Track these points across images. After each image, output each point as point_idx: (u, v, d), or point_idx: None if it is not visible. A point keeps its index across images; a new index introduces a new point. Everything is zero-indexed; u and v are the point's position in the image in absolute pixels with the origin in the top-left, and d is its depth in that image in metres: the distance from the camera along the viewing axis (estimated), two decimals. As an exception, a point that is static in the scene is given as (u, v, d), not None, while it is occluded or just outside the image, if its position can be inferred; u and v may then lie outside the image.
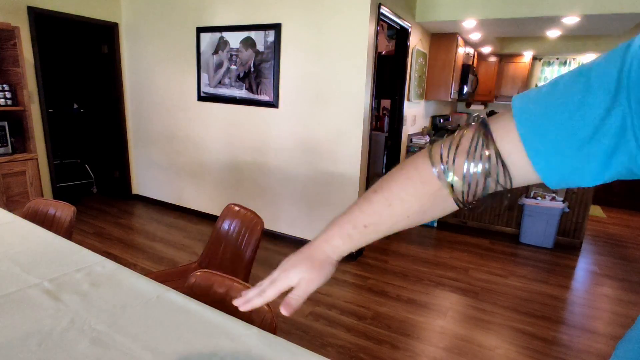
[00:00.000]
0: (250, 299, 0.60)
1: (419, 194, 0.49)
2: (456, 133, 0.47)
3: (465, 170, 0.44)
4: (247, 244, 1.71)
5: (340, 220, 0.56)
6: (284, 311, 0.57)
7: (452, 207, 0.49)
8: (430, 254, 3.46)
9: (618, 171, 0.37)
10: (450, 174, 0.45)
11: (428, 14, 3.81)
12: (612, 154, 0.36)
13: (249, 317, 1.09)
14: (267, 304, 1.09)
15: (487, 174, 0.43)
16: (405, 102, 3.92)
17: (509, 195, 0.46)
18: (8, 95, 3.10)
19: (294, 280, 0.58)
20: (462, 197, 0.46)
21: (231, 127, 3.68)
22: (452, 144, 0.46)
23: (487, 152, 0.43)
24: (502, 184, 0.44)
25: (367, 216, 0.53)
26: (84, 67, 4.58)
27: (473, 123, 0.46)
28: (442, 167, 0.46)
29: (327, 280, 0.59)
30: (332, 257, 0.58)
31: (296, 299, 0.57)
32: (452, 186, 0.46)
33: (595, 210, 4.99)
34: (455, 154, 0.45)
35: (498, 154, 0.43)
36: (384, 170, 4.18)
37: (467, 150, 0.44)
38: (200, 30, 3.63)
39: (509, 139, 0.42)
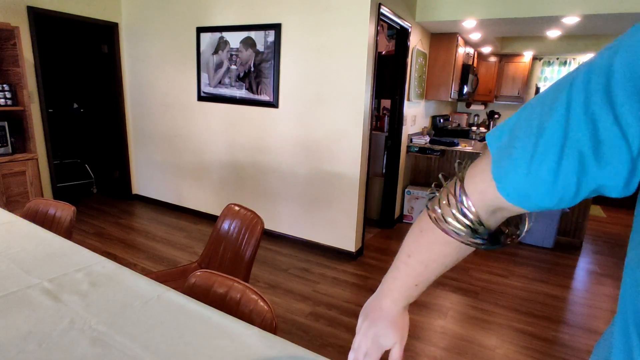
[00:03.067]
0: None
1: (446, 252, 0.56)
2: (442, 191, 0.54)
3: (459, 223, 0.50)
4: (247, 244, 1.71)
5: (396, 285, 0.64)
6: None
7: (475, 248, 0.55)
8: (430, 254, 3.46)
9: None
10: (452, 228, 0.51)
11: (428, 14, 3.81)
12: (557, 169, 0.39)
13: (249, 317, 1.09)
14: (268, 304, 1.09)
15: (474, 223, 0.49)
16: (405, 102, 3.92)
17: (509, 239, 0.54)
18: (8, 95, 3.10)
19: (388, 346, 0.64)
20: (473, 239, 0.51)
21: (231, 127, 3.68)
22: (441, 201, 0.53)
23: (466, 211, 0.49)
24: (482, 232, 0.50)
25: (413, 278, 0.62)
26: (84, 67, 4.58)
27: (452, 181, 0.52)
28: (444, 227, 0.52)
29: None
30: (403, 312, 0.66)
31: (397, 358, 0.64)
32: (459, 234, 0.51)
33: (595, 210, 4.99)
34: (443, 211, 0.51)
35: (476, 217, 0.49)
36: (384, 170, 4.18)
37: (453, 206, 0.50)
38: (200, 30, 3.63)
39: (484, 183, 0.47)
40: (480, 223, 0.49)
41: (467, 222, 0.49)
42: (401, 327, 0.65)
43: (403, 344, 0.65)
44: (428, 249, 0.57)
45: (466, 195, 0.48)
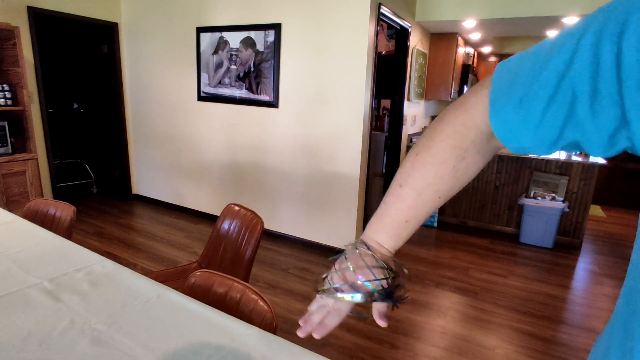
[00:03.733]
0: (319, 321, 0.62)
1: (441, 174, 0.52)
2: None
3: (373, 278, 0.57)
4: (247, 244, 1.71)
5: (382, 224, 0.58)
6: (380, 322, 0.59)
7: (473, 172, 0.53)
8: (430, 254, 3.46)
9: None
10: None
11: (428, 14, 3.81)
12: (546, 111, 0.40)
13: (249, 317, 1.09)
14: (268, 304, 1.09)
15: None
16: (405, 102, 3.92)
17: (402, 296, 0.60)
18: (8, 95, 3.10)
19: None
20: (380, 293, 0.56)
21: (231, 127, 3.68)
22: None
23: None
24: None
25: (404, 212, 0.56)
26: (84, 67, 4.57)
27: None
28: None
29: None
30: (390, 257, 0.60)
31: (382, 312, 0.60)
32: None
33: (595, 210, 4.99)
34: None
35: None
36: (384, 170, 4.18)
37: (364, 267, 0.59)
38: (200, 30, 3.63)
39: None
40: (390, 270, 0.53)
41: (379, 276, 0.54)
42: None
43: None
44: (422, 172, 0.53)
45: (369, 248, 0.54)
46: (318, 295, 0.61)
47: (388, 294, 0.55)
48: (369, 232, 0.59)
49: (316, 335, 0.60)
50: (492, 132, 0.47)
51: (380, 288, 0.55)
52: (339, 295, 0.54)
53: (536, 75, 0.41)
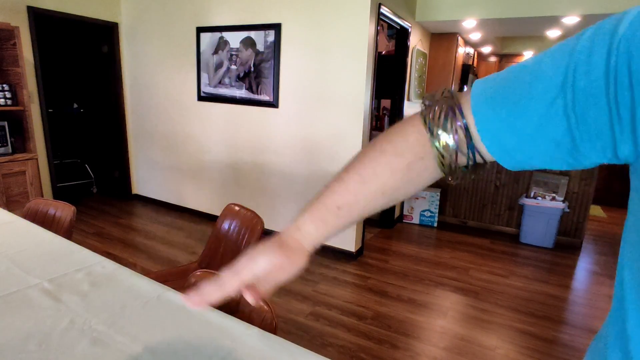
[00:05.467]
0: (207, 294, 0.49)
1: (393, 168, 0.47)
2: (431, 105, 0.46)
3: (444, 139, 0.43)
4: (247, 244, 1.71)
5: (312, 206, 0.50)
6: (249, 299, 0.49)
7: (426, 179, 0.48)
8: (430, 254, 3.46)
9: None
10: (436, 141, 0.44)
11: (428, 14, 3.81)
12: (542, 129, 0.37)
13: (249, 317, 1.09)
14: (268, 304, 1.09)
15: (460, 143, 0.43)
16: (405, 102, 3.92)
17: (483, 168, 0.46)
18: (8, 95, 3.10)
19: (261, 268, 0.49)
20: (446, 163, 0.45)
21: (231, 127, 3.68)
22: (431, 114, 0.45)
23: (458, 123, 0.43)
24: (471, 156, 0.43)
25: (339, 196, 0.48)
26: (84, 67, 4.57)
27: (444, 95, 0.45)
28: (428, 134, 0.45)
29: (298, 274, 0.51)
30: (305, 246, 0.51)
31: (266, 287, 0.50)
32: (439, 153, 0.44)
33: (596, 210, 4.99)
34: (434, 124, 0.44)
35: (466, 126, 0.43)
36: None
37: (442, 122, 0.44)
38: (200, 30, 3.63)
39: (469, 113, 0.42)
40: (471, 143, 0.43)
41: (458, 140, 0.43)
42: (288, 257, 0.49)
43: (279, 276, 0.50)
44: (375, 159, 0.48)
45: (461, 114, 0.43)
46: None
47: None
48: (300, 213, 0.51)
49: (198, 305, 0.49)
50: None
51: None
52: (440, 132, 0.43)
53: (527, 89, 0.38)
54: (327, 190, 0.49)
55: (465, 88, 4.98)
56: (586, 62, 0.34)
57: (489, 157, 0.43)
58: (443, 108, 0.44)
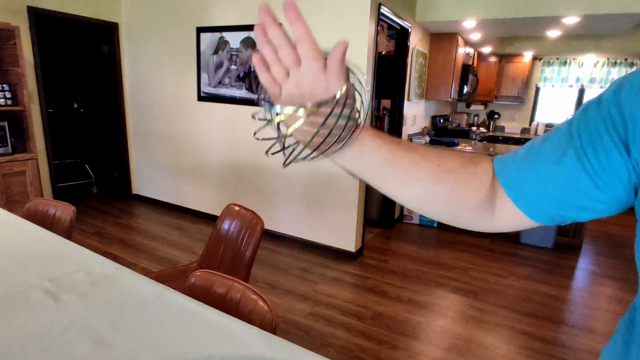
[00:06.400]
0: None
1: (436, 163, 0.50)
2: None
3: None
4: (247, 244, 1.71)
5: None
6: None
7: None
8: (430, 254, 3.46)
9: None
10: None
11: (428, 14, 3.81)
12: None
13: (248, 317, 1.09)
14: (267, 304, 1.09)
15: None
16: (405, 102, 3.92)
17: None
18: (8, 95, 3.10)
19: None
20: None
21: (231, 127, 3.68)
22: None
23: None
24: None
25: (401, 144, 0.51)
26: (84, 67, 4.57)
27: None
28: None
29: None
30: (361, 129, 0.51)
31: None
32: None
33: (595, 210, 4.98)
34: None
35: None
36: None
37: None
38: (200, 30, 3.63)
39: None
40: None
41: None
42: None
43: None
44: (426, 154, 0.51)
45: None
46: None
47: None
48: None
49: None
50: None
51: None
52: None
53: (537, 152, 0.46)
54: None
55: (466, 88, 4.98)
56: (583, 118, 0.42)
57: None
58: None
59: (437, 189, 0.50)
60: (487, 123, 6.28)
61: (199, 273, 1.24)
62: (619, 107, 0.38)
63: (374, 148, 0.51)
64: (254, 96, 3.46)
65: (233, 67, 3.51)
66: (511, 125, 6.28)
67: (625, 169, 0.39)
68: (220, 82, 3.63)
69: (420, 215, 4.18)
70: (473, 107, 6.40)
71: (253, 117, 0.50)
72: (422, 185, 0.50)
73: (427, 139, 4.34)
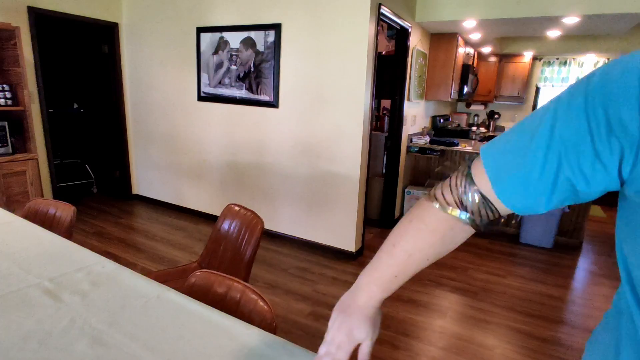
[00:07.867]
0: None
1: (431, 242, 0.60)
2: (449, 181, 0.59)
3: (465, 204, 0.56)
4: (247, 244, 1.71)
5: (374, 277, 0.65)
6: None
7: (460, 240, 0.61)
8: (430, 254, 3.46)
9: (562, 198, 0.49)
10: (457, 210, 0.57)
11: (428, 14, 3.81)
12: (554, 187, 0.47)
13: (248, 317, 1.09)
14: (267, 304, 1.09)
15: (479, 206, 0.55)
16: (405, 102, 3.92)
17: (500, 221, 0.57)
18: (8, 95, 3.10)
19: (361, 340, 0.65)
20: (473, 223, 0.57)
21: (231, 127, 3.68)
22: (448, 188, 0.58)
23: (474, 194, 0.55)
24: (490, 215, 0.56)
25: (394, 268, 0.63)
26: (84, 67, 4.58)
27: (459, 174, 0.58)
28: (449, 207, 0.57)
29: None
30: (378, 307, 0.67)
31: (366, 353, 0.66)
32: (461, 218, 0.57)
33: (595, 210, 4.99)
34: (452, 195, 0.57)
35: (481, 194, 0.55)
36: (384, 171, 4.18)
37: (460, 192, 0.56)
38: (200, 30, 3.63)
39: (484, 182, 0.54)
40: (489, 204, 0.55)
41: (473, 207, 0.55)
42: (374, 323, 0.66)
43: (374, 339, 0.66)
44: (415, 236, 0.61)
45: (474, 183, 0.55)
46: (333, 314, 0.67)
47: (490, 222, 0.58)
48: (361, 282, 0.66)
49: None
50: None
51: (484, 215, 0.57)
52: (450, 209, 0.57)
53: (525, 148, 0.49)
54: (383, 263, 0.64)
55: (466, 88, 4.98)
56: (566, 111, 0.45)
57: (504, 211, 0.55)
58: (460, 189, 0.57)
59: (441, 251, 0.62)
60: (487, 123, 6.28)
61: (198, 273, 1.24)
62: (604, 109, 0.41)
63: (392, 291, 0.66)
64: (254, 96, 3.46)
65: (233, 67, 3.51)
66: (511, 125, 6.27)
67: (615, 168, 0.42)
68: (220, 82, 3.63)
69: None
70: (473, 107, 6.40)
71: None
72: (430, 257, 0.62)
73: (427, 138, 4.34)
